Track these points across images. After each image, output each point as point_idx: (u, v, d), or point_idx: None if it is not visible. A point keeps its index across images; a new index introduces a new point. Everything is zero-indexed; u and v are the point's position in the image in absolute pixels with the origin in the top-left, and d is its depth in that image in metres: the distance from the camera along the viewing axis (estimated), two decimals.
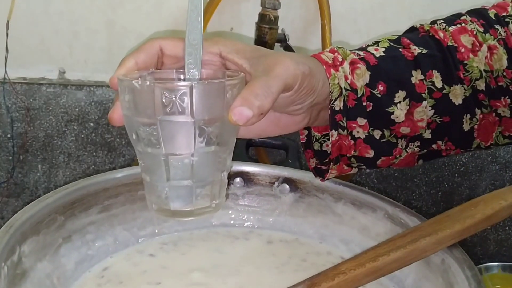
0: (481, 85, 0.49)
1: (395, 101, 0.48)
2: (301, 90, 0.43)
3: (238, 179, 0.58)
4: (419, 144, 0.50)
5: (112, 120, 0.42)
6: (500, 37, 0.50)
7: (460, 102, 0.49)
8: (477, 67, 0.49)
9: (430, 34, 0.51)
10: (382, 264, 0.43)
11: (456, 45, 0.49)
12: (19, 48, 1.02)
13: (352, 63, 0.48)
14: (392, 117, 0.48)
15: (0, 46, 1.00)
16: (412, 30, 0.53)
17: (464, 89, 0.49)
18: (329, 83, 0.46)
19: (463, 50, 0.49)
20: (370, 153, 0.49)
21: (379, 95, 0.48)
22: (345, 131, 0.48)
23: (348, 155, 0.49)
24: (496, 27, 0.50)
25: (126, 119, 0.41)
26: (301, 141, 0.53)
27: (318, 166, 0.53)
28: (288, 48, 0.98)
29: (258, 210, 0.58)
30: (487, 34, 0.50)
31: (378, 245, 0.45)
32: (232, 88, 0.40)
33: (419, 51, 0.49)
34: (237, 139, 0.44)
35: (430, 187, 1.13)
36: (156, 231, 0.55)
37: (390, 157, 0.50)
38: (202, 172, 0.41)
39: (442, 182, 1.12)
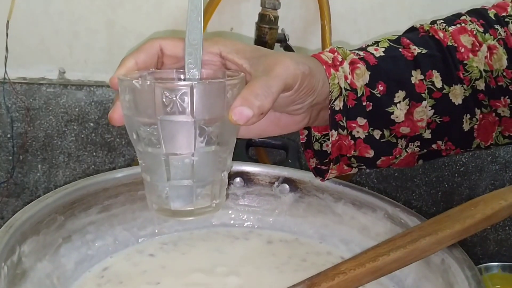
0: (481, 85, 0.49)
1: (395, 101, 0.48)
2: (301, 90, 0.43)
3: (238, 179, 0.58)
4: (419, 144, 0.50)
5: (112, 120, 0.42)
6: (500, 37, 0.50)
7: (460, 102, 0.49)
8: (477, 67, 0.49)
9: (430, 34, 0.51)
10: (382, 264, 0.43)
11: (456, 45, 0.49)
12: (19, 48, 1.02)
13: (352, 63, 0.48)
14: (392, 117, 0.48)
15: (0, 46, 1.00)
16: (412, 30, 0.53)
17: (464, 89, 0.49)
18: (329, 83, 0.46)
19: (463, 50, 0.49)
20: (370, 153, 0.49)
21: (379, 95, 0.48)
22: (345, 131, 0.48)
23: (348, 155, 0.49)
24: (496, 27, 0.50)
25: (127, 119, 0.41)
26: (301, 141, 0.53)
27: (318, 166, 0.53)
28: (288, 48, 0.98)
29: (258, 210, 0.58)
30: (487, 34, 0.50)
31: (378, 245, 0.45)
32: (233, 88, 0.40)
33: (419, 51, 0.49)
34: (237, 139, 0.44)
35: (430, 187, 1.13)
36: (156, 231, 0.55)
37: (390, 157, 0.50)
38: (203, 172, 0.41)
39: (442, 182, 1.12)
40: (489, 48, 0.49)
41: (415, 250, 0.43)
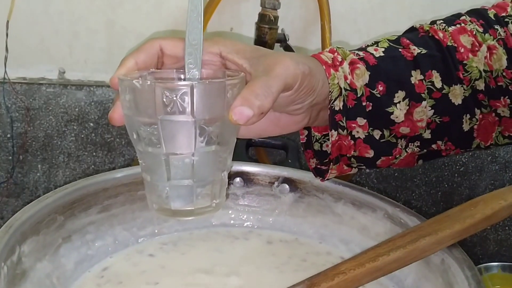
0: (480, 85, 0.49)
1: (395, 101, 0.48)
2: (301, 90, 0.44)
3: (238, 179, 0.58)
4: (419, 144, 0.50)
5: (112, 120, 0.42)
6: (499, 37, 0.50)
7: (460, 102, 0.49)
8: (476, 67, 0.49)
9: (430, 34, 0.51)
10: (382, 264, 0.43)
11: (456, 45, 0.49)
12: (19, 48, 1.02)
13: (351, 63, 0.48)
14: (392, 117, 0.48)
15: (0, 46, 1.00)
16: (411, 30, 0.53)
17: (464, 89, 0.49)
18: (329, 83, 0.46)
19: (462, 50, 0.49)
20: (370, 153, 0.49)
21: (379, 95, 0.48)
22: (345, 131, 0.48)
23: (348, 155, 0.49)
24: (496, 27, 0.50)
25: (127, 119, 0.41)
26: (301, 141, 0.53)
27: (318, 166, 0.53)
28: (288, 48, 0.98)
29: (258, 210, 0.58)
30: (486, 34, 0.50)
31: (378, 245, 0.45)
32: (233, 87, 0.40)
33: (419, 51, 0.49)
34: (237, 139, 0.44)
35: (430, 187, 1.13)
36: (156, 231, 0.55)
37: (390, 157, 0.50)
38: (203, 172, 0.41)
39: (442, 182, 1.12)
40: (489, 48, 0.49)
41: (415, 250, 0.43)
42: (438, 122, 0.49)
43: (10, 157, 1.07)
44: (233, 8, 1.01)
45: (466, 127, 0.50)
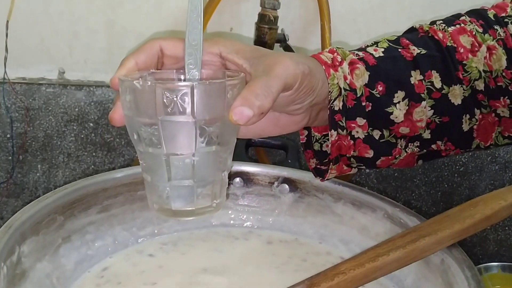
0: (480, 86, 0.49)
1: (394, 101, 0.48)
2: (301, 90, 0.44)
3: (237, 179, 0.58)
4: (418, 144, 0.50)
5: (112, 121, 0.42)
6: (499, 37, 0.50)
7: (459, 103, 0.49)
8: (476, 67, 0.49)
9: (429, 35, 0.51)
10: (382, 264, 0.43)
11: (455, 45, 0.49)
12: (18, 48, 1.02)
13: (351, 63, 0.48)
14: (391, 117, 0.48)
15: (0, 46, 1.00)
16: (411, 30, 0.53)
17: (463, 89, 0.49)
18: (328, 83, 0.46)
19: (462, 50, 0.49)
20: (370, 153, 0.49)
21: (378, 95, 0.48)
22: (345, 131, 0.48)
23: (347, 155, 0.49)
24: (495, 27, 0.50)
25: (127, 119, 0.41)
26: (301, 142, 0.53)
27: (318, 166, 0.53)
28: (287, 48, 0.98)
29: (258, 210, 0.58)
30: (486, 35, 0.50)
31: (377, 245, 0.45)
32: (233, 88, 0.40)
33: (418, 51, 0.49)
34: (236, 139, 0.44)
35: (430, 187, 1.13)
36: (156, 231, 0.55)
37: (390, 157, 0.50)
38: (203, 172, 0.41)
39: (441, 182, 1.12)
40: (489, 49, 0.49)
41: (415, 250, 0.43)
42: (438, 122, 0.49)
43: (10, 157, 1.07)
44: (233, 8, 1.01)
45: (465, 127, 0.50)
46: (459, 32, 0.50)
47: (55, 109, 1.06)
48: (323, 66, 0.46)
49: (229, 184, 0.55)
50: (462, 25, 0.51)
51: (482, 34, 0.50)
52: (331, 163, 0.50)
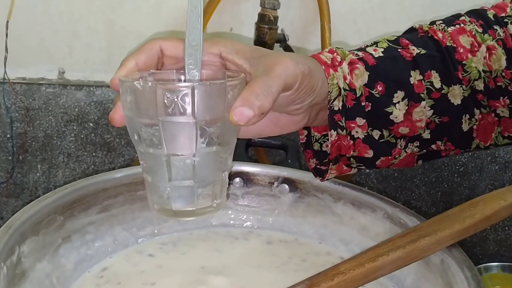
0: (480, 86, 0.49)
1: (394, 101, 0.48)
2: (301, 90, 0.44)
3: (237, 179, 0.58)
4: (418, 144, 0.50)
5: (113, 121, 0.42)
6: (499, 37, 0.50)
7: (459, 103, 0.49)
8: (475, 67, 0.49)
9: (429, 35, 0.51)
10: (382, 264, 0.43)
11: (455, 45, 0.49)
12: (18, 48, 1.02)
13: (351, 64, 0.48)
14: (391, 117, 0.48)
15: None
16: (411, 30, 0.53)
17: (463, 90, 0.49)
18: (328, 83, 0.46)
19: (461, 50, 0.49)
20: (369, 153, 0.49)
21: (378, 95, 0.48)
22: (344, 131, 0.48)
23: (347, 155, 0.49)
24: (495, 27, 0.51)
25: (128, 120, 0.41)
26: (301, 141, 0.53)
27: (318, 166, 0.53)
28: (287, 48, 0.98)
29: (258, 210, 0.58)
30: (486, 35, 0.50)
31: (377, 245, 0.45)
32: (233, 88, 0.40)
33: (418, 51, 0.49)
34: (236, 139, 0.44)
35: (430, 187, 1.13)
36: (156, 231, 0.55)
37: (389, 157, 0.50)
38: (204, 172, 0.41)
39: (441, 182, 1.12)
40: (488, 49, 0.49)
41: (415, 250, 0.43)
42: (438, 122, 0.49)
43: (10, 157, 1.07)
44: (233, 8, 1.01)
45: (465, 127, 0.50)
46: (459, 32, 0.50)
47: (55, 109, 1.06)
48: (323, 66, 0.46)
49: (229, 184, 0.55)
50: (462, 25, 0.51)
51: (482, 34, 0.50)
52: (330, 163, 0.50)
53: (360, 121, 0.48)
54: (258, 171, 0.58)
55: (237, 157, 0.47)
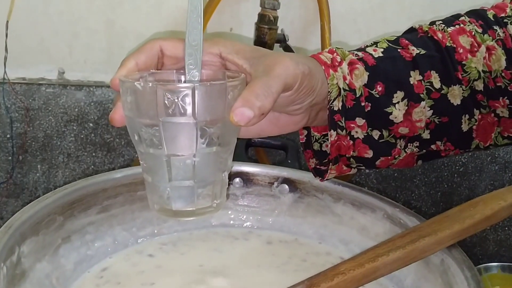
0: (479, 86, 0.49)
1: (394, 102, 0.48)
2: (301, 90, 0.44)
3: (237, 180, 0.58)
4: (418, 144, 0.50)
5: (113, 121, 0.42)
6: (498, 38, 0.50)
7: (459, 103, 0.49)
8: (475, 67, 0.49)
9: (429, 35, 0.51)
10: (381, 264, 0.43)
11: (455, 45, 0.49)
12: (18, 48, 1.02)
13: (350, 64, 0.48)
14: (391, 117, 0.48)
15: None
16: (410, 31, 0.53)
17: (463, 90, 0.49)
18: (328, 84, 0.46)
19: (461, 50, 0.49)
20: (369, 154, 0.49)
21: (378, 96, 0.48)
22: (344, 131, 0.48)
23: (347, 155, 0.49)
24: (495, 28, 0.51)
25: (128, 120, 0.41)
26: (301, 141, 0.54)
27: (318, 166, 0.53)
28: (287, 49, 0.98)
29: (258, 211, 0.58)
30: (485, 35, 0.50)
31: (377, 245, 0.45)
32: (234, 89, 0.40)
33: (418, 51, 0.49)
34: (236, 139, 0.44)
35: (430, 187, 1.13)
36: (156, 231, 0.55)
37: (389, 157, 0.50)
38: (204, 173, 0.41)
39: (441, 182, 1.12)
40: (488, 49, 0.49)
41: (415, 251, 0.43)
42: (437, 122, 0.49)
43: (10, 158, 1.07)
44: (232, 9, 1.01)
45: (465, 127, 0.50)
46: (459, 33, 0.50)
47: (55, 109, 1.06)
48: (323, 66, 0.46)
49: (229, 184, 0.55)
50: (462, 25, 0.51)
51: (482, 35, 0.50)
52: (330, 163, 0.50)
53: (360, 121, 0.48)
54: (258, 171, 0.58)
55: (237, 157, 0.47)
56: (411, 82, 0.48)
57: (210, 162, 0.41)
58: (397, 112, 0.48)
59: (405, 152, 0.50)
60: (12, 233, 0.43)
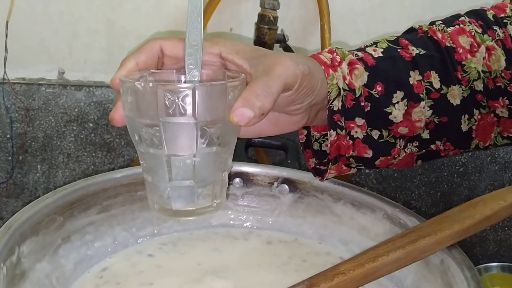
0: (479, 86, 0.49)
1: (393, 102, 0.48)
2: (301, 90, 0.44)
3: (237, 180, 0.58)
4: (417, 144, 0.50)
5: (113, 121, 0.42)
6: (498, 38, 0.50)
7: (458, 103, 0.49)
8: (475, 68, 0.49)
9: (429, 35, 0.51)
10: (381, 264, 0.43)
11: (454, 46, 0.49)
12: (18, 48, 1.02)
13: (350, 64, 0.48)
14: (390, 117, 0.48)
15: None
16: (410, 31, 0.53)
17: (462, 90, 0.49)
18: (328, 83, 0.46)
19: (461, 51, 0.49)
20: (369, 153, 0.49)
21: (377, 96, 0.48)
22: (344, 131, 0.48)
23: (346, 155, 0.49)
24: (495, 28, 0.51)
25: (129, 120, 0.41)
26: (300, 141, 0.54)
27: (317, 166, 0.53)
28: (287, 49, 0.98)
29: (258, 211, 0.58)
30: (485, 35, 0.50)
31: (377, 245, 0.45)
32: (234, 89, 0.40)
33: (417, 51, 0.49)
34: (236, 139, 0.44)
35: (430, 187, 1.13)
36: (156, 231, 0.55)
37: (389, 157, 0.50)
38: (204, 172, 0.41)
39: (441, 182, 1.12)
40: (488, 49, 0.49)
41: (414, 251, 0.43)
42: (437, 122, 0.49)
43: (10, 158, 1.07)
44: (232, 9, 1.01)
45: (464, 127, 0.50)
46: (458, 33, 0.50)
47: (55, 109, 1.06)
48: (323, 66, 0.46)
49: (229, 184, 0.55)
50: (461, 25, 0.51)
51: (481, 35, 0.50)
52: (330, 163, 0.50)
53: (360, 121, 0.48)
54: (258, 171, 0.58)
55: (237, 157, 0.47)
56: (411, 82, 0.49)
57: (210, 162, 0.41)
58: (397, 112, 0.48)
59: (405, 152, 0.50)
60: (12, 233, 0.43)
